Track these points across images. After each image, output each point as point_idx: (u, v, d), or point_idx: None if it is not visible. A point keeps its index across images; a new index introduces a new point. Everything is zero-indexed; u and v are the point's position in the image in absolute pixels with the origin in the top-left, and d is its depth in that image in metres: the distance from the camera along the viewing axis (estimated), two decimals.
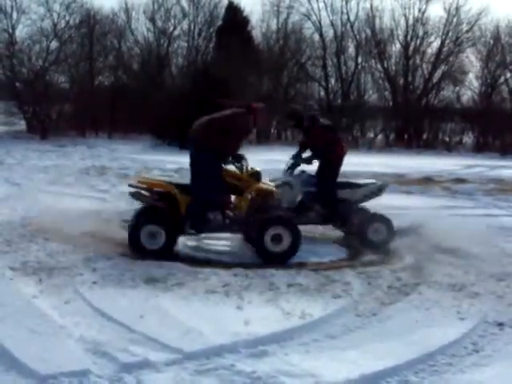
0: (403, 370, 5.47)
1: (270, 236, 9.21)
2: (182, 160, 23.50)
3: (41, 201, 12.90)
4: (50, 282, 7.59)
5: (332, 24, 43.66)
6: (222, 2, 43.81)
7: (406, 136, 41.75)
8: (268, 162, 17.46)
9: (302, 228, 9.64)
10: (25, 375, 5.04)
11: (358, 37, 43.63)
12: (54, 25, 38.56)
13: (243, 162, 9.74)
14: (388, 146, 39.88)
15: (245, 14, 43.72)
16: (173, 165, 22.28)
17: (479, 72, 41.79)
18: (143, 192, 9.62)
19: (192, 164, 9.55)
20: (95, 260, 8.63)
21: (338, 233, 11.25)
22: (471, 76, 42.59)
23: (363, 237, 10.57)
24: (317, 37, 44.40)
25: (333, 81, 44.66)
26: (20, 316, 6.28)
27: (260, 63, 40.73)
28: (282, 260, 9.12)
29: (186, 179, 9.91)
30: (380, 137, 42.96)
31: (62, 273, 7.95)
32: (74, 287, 7.38)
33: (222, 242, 10.27)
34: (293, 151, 11.55)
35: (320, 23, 43.83)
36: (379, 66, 43.59)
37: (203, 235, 10.07)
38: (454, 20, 42.09)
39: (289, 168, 11.37)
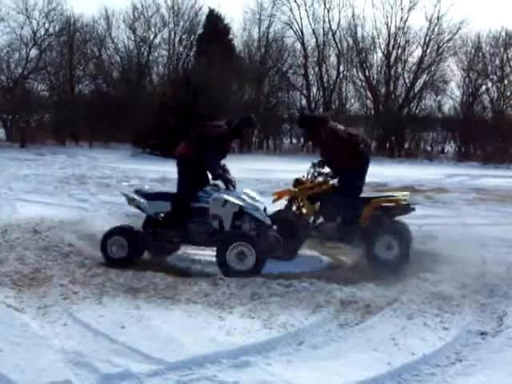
0: (386, 379, 5.45)
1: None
2: (163, 169, 23.57)
3: (20, 210, 12.81)
4: (30, 292, 7.53)
5: (314, 33, 43.76)
6: (203, 9, 43.88)
7: (387, 145, 41.78)
8: (248, 171, 17.45)
9: None
10: None
11: (339, 45, 43.70)
12: (34, 32, 38.55)
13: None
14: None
15: (226, 21, 43.79)
16: (153, 174, 22.25)
17: (461, 81, 41.88)
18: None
19: None
20: (75, 270, 8.57)
21: (318, 242, 11.08)
22: (453, 85, 42.72)
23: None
24: (298, 45, 44.55)
25: (314, 89, 44.80)
26: None
27: (241, 71, 40.74)
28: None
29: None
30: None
31: (42, 283, 7.89)
32: (54, 297, 7.32)
33: (206, 252, 10.17)
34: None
35: (302, 32, 43.96)
36: (361, 75, 43.67)
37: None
38: (436, 29, 42.18)
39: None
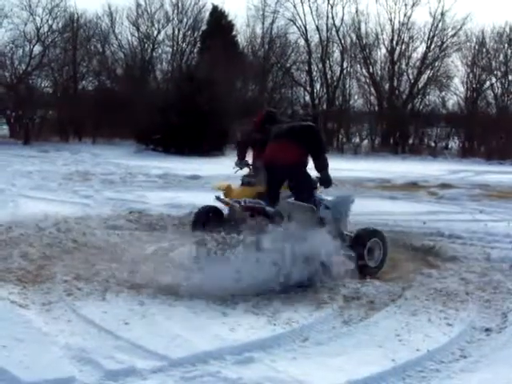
0: (390, 376, 5.44)
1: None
2: (166, 165, 23.60)
3: (24, 206, 12.81)
4: (34, 288, 7.52)
5: (317, 29, 43.86)
6: (206, 6, 43.96)
7: (391, 141, 41.77)
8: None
9: None
10: (8, 383, 4.97)
11: (343, 41, 43.81)
12: (37, 29, 38.52)
13: None
14: (373, 151, 39.90)
15: (229, 18, 43.94)
16: (157, 170, 22.26)
17: (464, 77, 42.00)
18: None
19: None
20: (79, 266, 8.55)
21: None
22: (456, 81, 42.85)
23: None
24: (302, 41, 44.66)
25: (318, 86, 44.90)
26: (3, 323, 6.21)
27: (245, 68, 40.74)
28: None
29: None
30: (365, 142, 43.00)
31: (46, 279, 7.88)
32: (58, 294, 7.31)
33: None
34: None
35: (305, 28, 44.06)
36: (364, 71, 43.78)
37: None
38: (440, 25, 42.38)
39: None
